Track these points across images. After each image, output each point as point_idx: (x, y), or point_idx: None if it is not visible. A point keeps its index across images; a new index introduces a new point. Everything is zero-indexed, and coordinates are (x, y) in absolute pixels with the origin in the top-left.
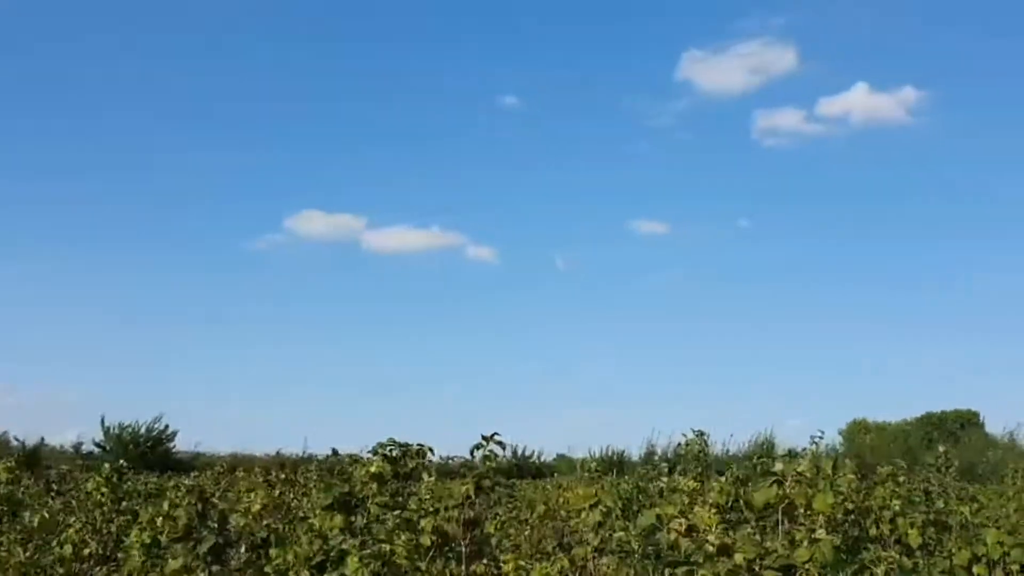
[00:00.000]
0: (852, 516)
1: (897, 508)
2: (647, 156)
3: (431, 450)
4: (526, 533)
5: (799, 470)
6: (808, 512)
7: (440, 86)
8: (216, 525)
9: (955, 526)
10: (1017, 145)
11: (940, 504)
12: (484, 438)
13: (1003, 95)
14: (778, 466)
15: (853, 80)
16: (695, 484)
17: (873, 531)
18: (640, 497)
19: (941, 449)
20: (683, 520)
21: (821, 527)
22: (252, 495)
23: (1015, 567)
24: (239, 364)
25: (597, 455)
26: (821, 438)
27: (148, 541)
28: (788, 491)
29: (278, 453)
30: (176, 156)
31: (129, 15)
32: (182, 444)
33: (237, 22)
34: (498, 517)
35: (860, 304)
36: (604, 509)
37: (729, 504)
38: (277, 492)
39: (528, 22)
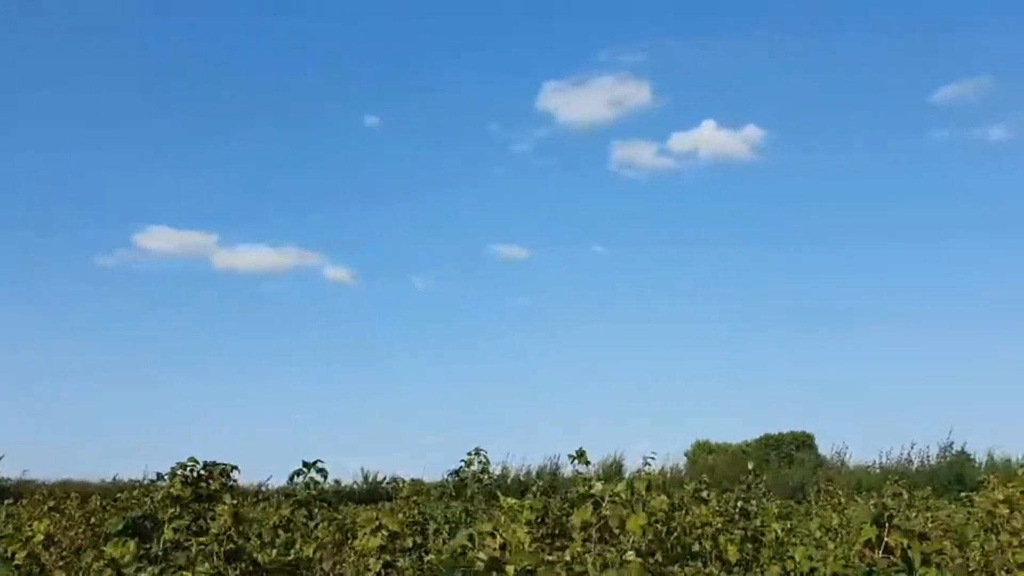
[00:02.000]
0: (675, 535)
1: (719, 525)
2: (508, 181)
3: (235, 468)
4: (351, 559)
5: (615, 491)
6: (622, 532)
7: (299, 102)
8: None
9: (768, 542)
10: (848, 186)
11: (757, 522)
12: (305, 465)
13: (839, 138)
14: (597, 487)
15: (702, 117)
16: (514, 502)
17: (696, 547)
18: (468, 519)
19: (750, 466)
20: (496, 538)
21: (633, 548)
22: (35, 525)
23: None
24: (80, 385)
25: (449, 479)
26: (654, 458)
27: None
28: (603, 512)
29: (114, 479)
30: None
31: None
32: (8, 470)
33: (98, 22)
34: (318, 540)
35: (706, 329)
36: (387, 533)
37: (539, 519)
38: (66, 521)
39: (393, 42)
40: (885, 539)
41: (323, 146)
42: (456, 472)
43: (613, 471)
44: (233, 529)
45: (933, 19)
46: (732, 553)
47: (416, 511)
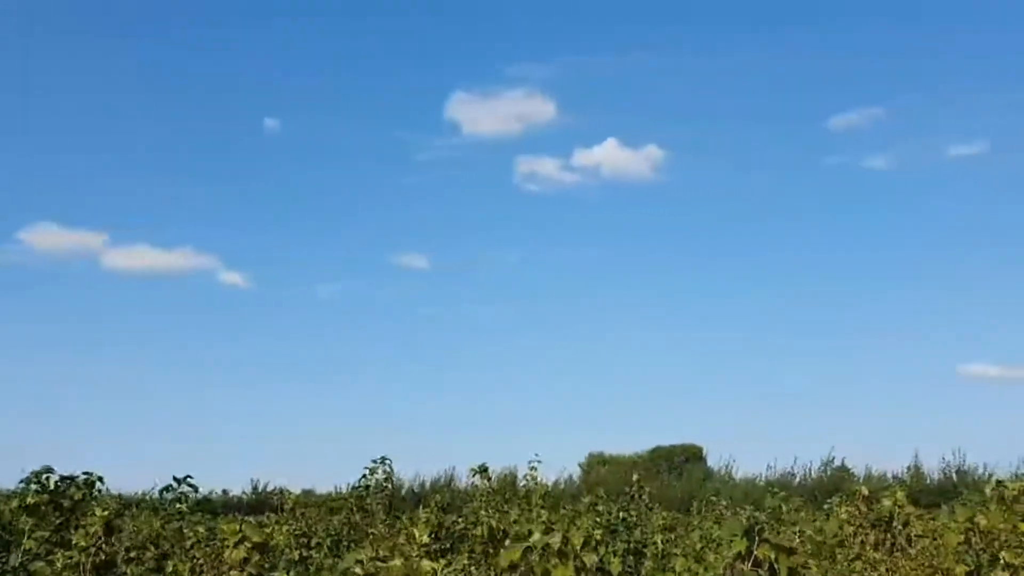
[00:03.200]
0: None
1: (599, 537)
2: (413, 190)
3: (101, 479)
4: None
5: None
6: None
7: (196, 102)
8: None
9: (650, 554)
10: (743, 207)
11: (637, 534)
12: (176, 480)
13: (738, 160)
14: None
15: (605, 135)
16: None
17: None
18: (352, 532)
19: (635, 477)
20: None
21: None
22: None
23: None
24: None
25: (345, 490)
26: (540, 461)
27: None
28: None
29: None
30: None
31: None
32: None
33: None
34: (195, 560)
35: (604, 342)
36: (249, 546)
37: (434, 534)
38: None
39: (296, 44)
40: (755, 552)
41: (220, 147)
42: (360, 481)
43: (508, 483)
44: (104, 540)
45: (834, 47)
46: (615, 565)
47: (303, 523)
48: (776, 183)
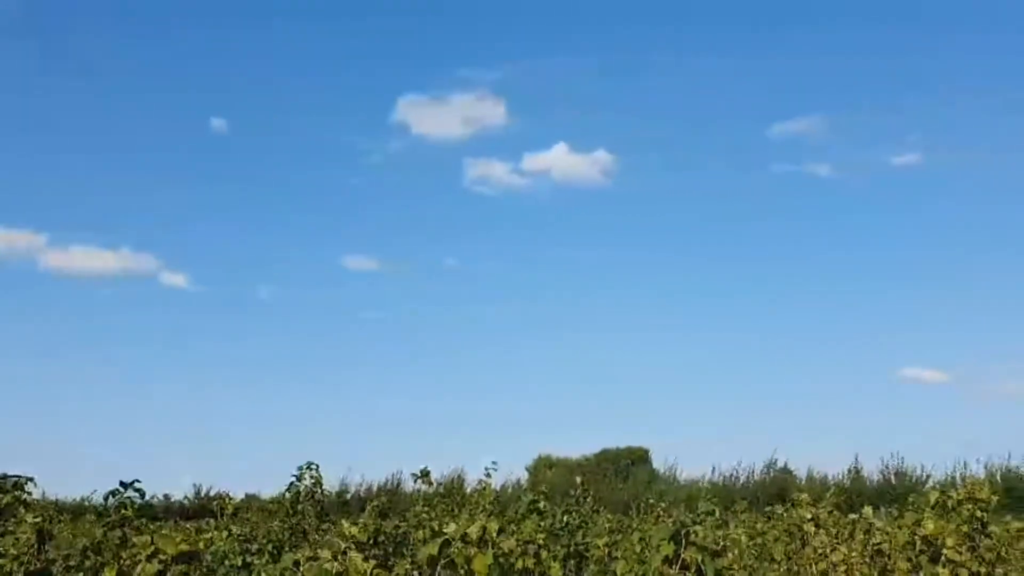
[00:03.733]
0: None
1: (541, 541)
2: (361, 193)
3: (31, 480)
4: None
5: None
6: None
7: (141, 100)
8: None
9: (594, 558)
10: (690, 213)
11: (579, 537)
12: (122, 484)
13: (684, 165)
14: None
15: (554, 139)
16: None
17: (520, 564)
18: (293, 537)
19: (579, 480)
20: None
21: None
22: None
23: None
24: None
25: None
26: (496, 469)
27: None
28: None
29: None
30: None
31: None
32: None
33: None
34: (123, 561)
35: (552, 344)
36: (164, 558)
37: (371, 540)
38: None
39: (244, 43)
40: (682, 555)
41: (165, 146)
42: (289, 488)
43: (455, 487)
44: (37, 548)
45: (778, 55)
46: (555, 570)
47: (244, 528)
48: (723, 188)
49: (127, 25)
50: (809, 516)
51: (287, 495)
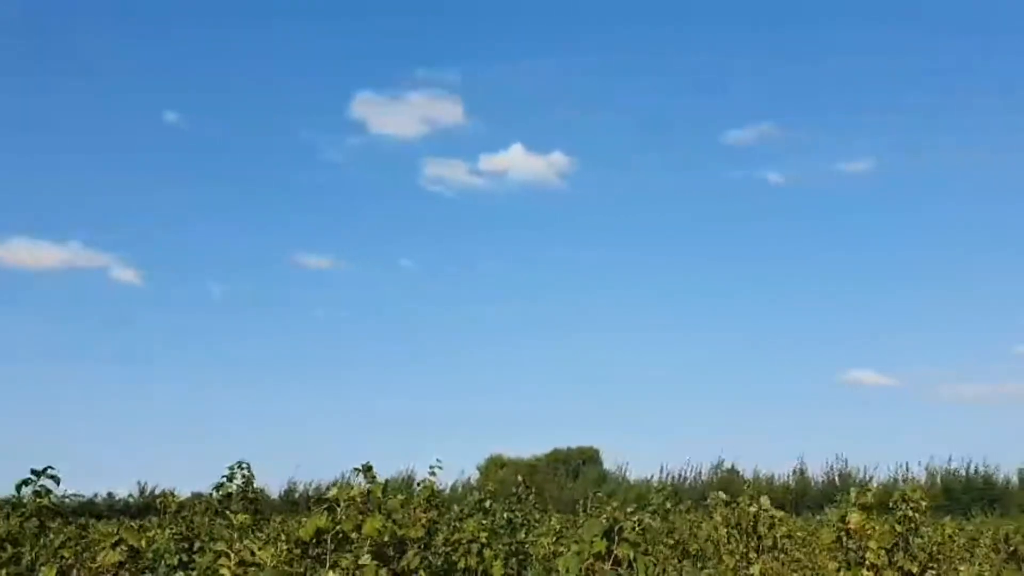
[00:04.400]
0: (444, 548)
1: (484, 539)
2: (317, 189)
3: None
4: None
5: (351, 495)
6: (358, 538)
7: (92, 92)
8: None
9: (536, 556)
10: (644, 216)
11: (521, 535)
12: (34, 472)
13: (639, 168)
14: (332, 492)
15: (511, 140)
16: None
17: (462, 563)
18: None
19: (520, 478)
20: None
21: (369, 551)
22: None
23: None
24: None
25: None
26: (441, 467)
27: None
28: (339, 517)
29: None
30: None
31: None
32: None
33: None
34: (64, 560)
35: (505, 344)
36: (125, 549)
37: (315, 539)
38: None
39: (198, 36)
40: (614, 551)
41: (116, 139)
42: (219, 487)
43: (404, 485)
44: None
45: (729, 62)
46: (497, 568)
47: (184, 527)
48: (676, 192)
49: (78, 20)
50: (720, 520)
51: (215, 494)
